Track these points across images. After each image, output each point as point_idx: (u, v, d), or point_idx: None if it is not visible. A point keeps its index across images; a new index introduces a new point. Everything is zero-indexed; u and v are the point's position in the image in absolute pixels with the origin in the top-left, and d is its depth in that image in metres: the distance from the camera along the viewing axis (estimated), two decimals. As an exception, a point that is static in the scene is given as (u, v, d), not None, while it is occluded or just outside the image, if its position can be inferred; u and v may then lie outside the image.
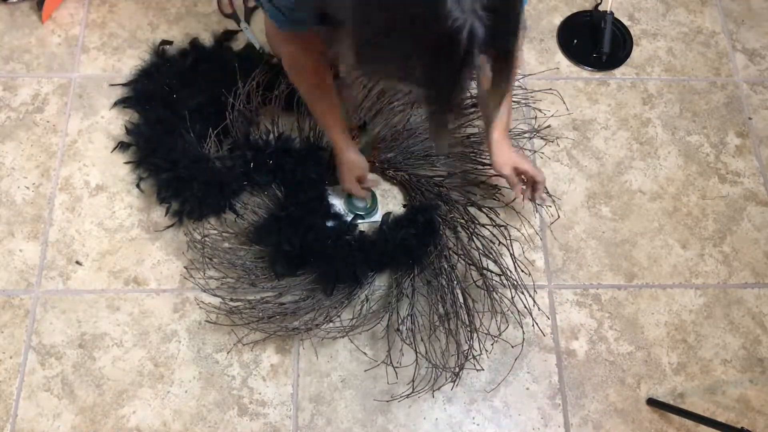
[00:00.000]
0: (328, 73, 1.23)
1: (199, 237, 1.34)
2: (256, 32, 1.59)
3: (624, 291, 1.40)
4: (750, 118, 1.58)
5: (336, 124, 1.27)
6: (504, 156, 1.26)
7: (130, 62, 1.56)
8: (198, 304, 1.33)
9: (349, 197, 1.41)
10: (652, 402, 1.30)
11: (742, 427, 1.10)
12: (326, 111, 1.25)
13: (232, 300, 1.30)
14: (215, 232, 1.36)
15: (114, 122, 1.49)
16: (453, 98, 0.74)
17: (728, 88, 1.61)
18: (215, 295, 1.32)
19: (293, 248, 1.28)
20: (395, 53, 0.70)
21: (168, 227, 1.38)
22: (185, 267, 1.35)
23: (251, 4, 1.64)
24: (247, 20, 1.61)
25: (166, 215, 1.38)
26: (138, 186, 1.42)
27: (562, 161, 1.51)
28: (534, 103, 1.54)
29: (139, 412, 1.26)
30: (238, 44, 1.58)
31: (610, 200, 1.48)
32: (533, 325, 1.34)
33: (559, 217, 1.44)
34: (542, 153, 1.51)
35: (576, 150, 1.53)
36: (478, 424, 1.28)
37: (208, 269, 1.34)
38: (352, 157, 1.30)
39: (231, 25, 1.60)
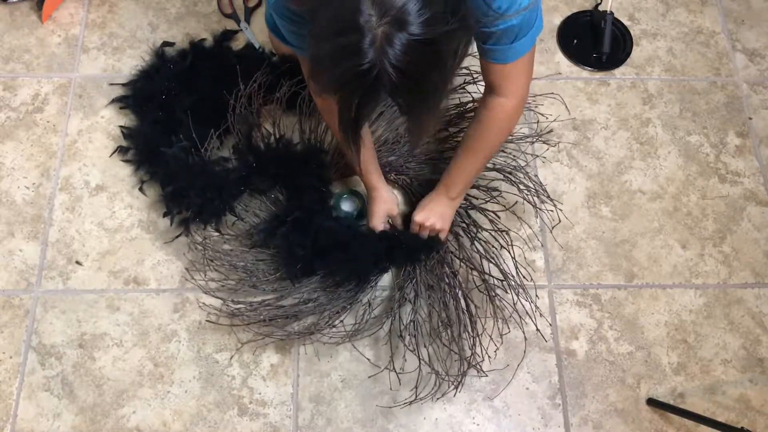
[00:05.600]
0: None
1: (200, 239, 1.34)
2: (256, 32, 1.59)
3: (624, 291, 1.40)
4: (750, 118, 1.58)
5: (370, 159, 1.29)
6: (426, 214, 1.30)
7: (130, 62, 1.56)
8: (199, 306, 1.33)
9: (338, 201, 1.41)
10: (652, 402, 1.30)
11: (742, 427, 1.10)
12: (360, 148, 1.26)
13: (233, 302, 1.30)
14: (216, 234, 1.35)
15: (114, 122, 1.49)
16: (357, 121, 0.84)
17: (728, 88, 1.61)
18: (216, 297, 1.32)
19: (305, 250, 1.28)
20: (326, 74, 0.80)
21: (176, 237, 1.36)
22: (186, 268, 1.35)
23: (251, 4, 1.64)
24: (247, 20, 1.61)
25: (171, 225, 1.36)
26: (140, 189, 1.42)
27: (562, 161, 1.51)
28: (536, 107, 1.54)
29: (139, 412, 1.26)
30: (237, 44, 1.58)
31: (610, 200, 1.48)
32: (534, 326, 1.34)
33: (560, 221, 1.44)
34: (544, 157, 1.51)
35: (576, 150, 1.53)
36: (478, 424, 1.28)
37: (209, 271, 1.34)
38: (385, 195, 1.33)
39: (230, 25, 1.60)
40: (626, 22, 1.67)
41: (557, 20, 1.67)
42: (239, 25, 1.60)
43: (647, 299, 1.39)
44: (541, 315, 1.35)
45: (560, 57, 1.63)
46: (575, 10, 1.68)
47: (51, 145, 1.47)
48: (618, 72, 1.62)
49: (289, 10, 0.97)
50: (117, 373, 1.29)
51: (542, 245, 1.42)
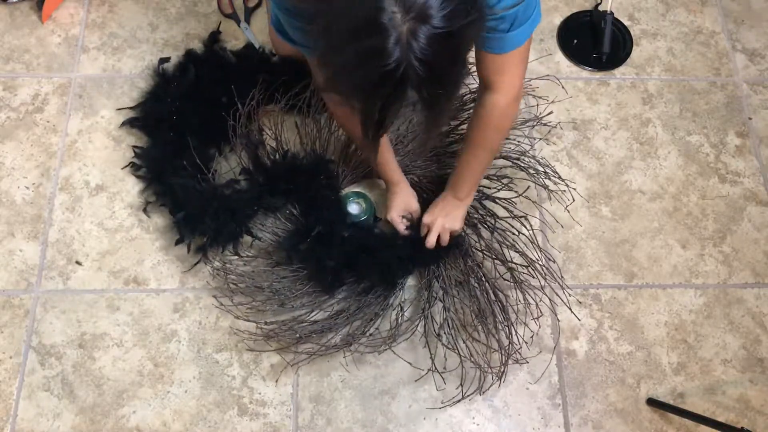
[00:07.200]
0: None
1: (219, 264, 1.33)
2: (256, 32, 1.59)
3: (624, 291, 1.40)
4: (750, 118, 1.59)
5: (389, 156, 1.30)
6: (434, 214, 1.32)
7: (130, 62, 1.56)
8: (234, 333, 1.31)
9: (344, 204, 1.41)
10: (652, 402, 1.30)
11: (742, 427, 1.11)
12: (380, 148, 1.27)
13: (266, 324, 1.28)
14: (236, 258, 1.34)
15: (114, 122, 1.49)
16: (381, 123, 0.83)
17: (728, 88, 1.62)
18: (250, 321, 1.30)
19: (334, 261, 1.28)
20: (348, 81, 0.80)
21: (195, 264, 1.35)
22: (214, 296, 1.33)
23: (251, 4, 1.64)
24: (247, 20, 1.61)
25: (189, 252, 1.35)
26: (145, 211, 1.40)
27: (562, 161, 1.51)
28: (533, 90, 1.54)
29: (139, 412, 1.26)
30: (237, 44, 1.57)
31: (610, 200, 1.48)
32: (538, 325, 1.35)
33: (573, 200, 1.44)
34: (546, 140, 1.51)
35: (576, 150, 1.53)
36: (478, 424, 1.28)
37: (234, 295, 1.32)
38: (406, 189, 1.35)
39: (227, 25, 1.60)
40: (626, 22, 1.67)
41: (557, 20, 1.67)
42: (239, 25, 1.60)
43: (647, 299, 1.39)
44: (570, 310, 1.36)
45: (560, 57, 1.63)
46: (575, 10, 1.68)
47: (51, 145, 1.47)
48: (618, 72, 1.62)
49: (294, 6, 0.96)
50: (117, 373, 1.29)
51: (542, 245, 1.42)
